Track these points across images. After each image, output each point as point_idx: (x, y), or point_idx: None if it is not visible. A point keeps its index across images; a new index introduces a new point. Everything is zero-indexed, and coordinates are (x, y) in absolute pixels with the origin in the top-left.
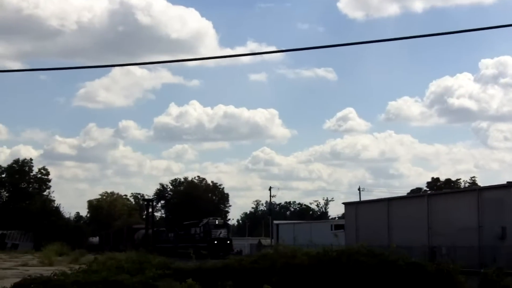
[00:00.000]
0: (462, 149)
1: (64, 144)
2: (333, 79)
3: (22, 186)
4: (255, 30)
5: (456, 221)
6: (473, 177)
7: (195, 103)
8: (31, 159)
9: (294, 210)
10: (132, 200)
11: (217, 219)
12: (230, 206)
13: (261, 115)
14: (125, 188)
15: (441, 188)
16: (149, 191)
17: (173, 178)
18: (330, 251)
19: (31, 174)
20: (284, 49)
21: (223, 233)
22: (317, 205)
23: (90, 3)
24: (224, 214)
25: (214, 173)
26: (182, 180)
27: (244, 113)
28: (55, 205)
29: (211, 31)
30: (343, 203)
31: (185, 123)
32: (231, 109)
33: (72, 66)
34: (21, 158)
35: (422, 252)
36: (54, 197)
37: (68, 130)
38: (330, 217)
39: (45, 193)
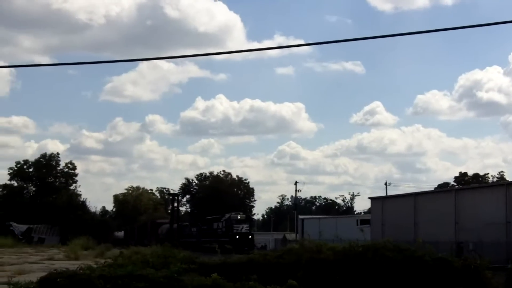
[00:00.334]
0: (490, 143)
1: (90, 139)
2: (361, 73)
3: (49, 180)
4: (283, 23)
5: (484, 216)
6: (502, 171)
7: (221, 97)
8: (58, 154)
9: (320, 205)
10: (158, 194)
11: (239, 214)
12: (255, 200)
13: (287, 109)
14: (151, 183)
15: (469, 183)
16: (175, 186)
17: (198, 172)
18: (356, 246)
19: (58, 168)
20: (311, 42)
21: (245, 228)
22: (343, 200)
23: None
24: (249, 208)
25: (239, 168)
26: (208, 174)
27: (271, 107)
28: (81, 199)
29: (238, 24)
30: (369, 198)
31: (211, 117)
32: (257, 103)
33: (100, 60)
34: (48, 153)
35: (448, 248)
36: (80, 191)
37: (95, 125)
38: (356, 212)
39: (71, 187)
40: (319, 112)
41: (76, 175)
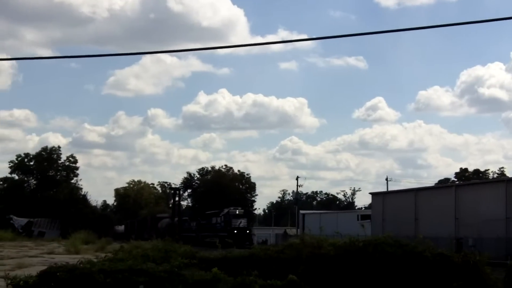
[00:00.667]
0: (491, 140)
1: (92, 132)
2: (364, 68)
3: (50, 174)
4: (286, 18)
5: (484, 212)
6: (502, 167)
7: (224, 91)
8: (59, 147)
9: (321, 200)
10: (159, 189)
11: (237, 209)
12: (256, 195)
13: (290, 104)
14: (153, 177)
15: (469, 179)
16: (176, 180)
17: (200, 167)
18: (357, 242)
19: (59, 162)
20: (315, 37)
21: (243, 222)
22: (344, 195)
23: None
24: (250, 203)
25: (241, 162)
26: (210, 169)
27: (273, 102)
28: (83, 193)
29: (242, 18)
30: (370, 193)
31: (214, 111)
32: (260, 97)
33: (103, 53)
34: (49, 146)
35: (448, 243)
36: (81, 185)
37: (97, 118)
38: (356, 207)
39: (72, 181)
40: (321, 107)
41: (77, 168)
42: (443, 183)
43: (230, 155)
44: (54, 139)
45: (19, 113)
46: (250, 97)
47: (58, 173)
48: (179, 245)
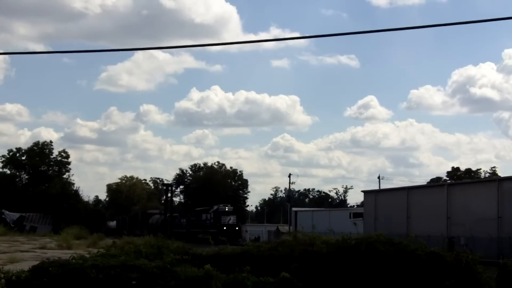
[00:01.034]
0: (483, 139)
1: (85, 128)
2: (356, 67)
3: (42, 168)
4: (279, 16)
5: (476, 211)
6: (494, 167)
7: (216, 88)
8: (51, 142)
9: (313, 197)
10: (152, 185)
11: (227, 206)
12: (249, 192)
13: (282, 102)
14: (145, 173)
15: (461, 178)
16: (169, 176)
17: (192, 163)
18: (349, 239)
19: (51, 157)
20: (307, 35)
21: (232, 219)
22: (336, 193)
23: None
24: (242, 200)
25: (233, 159)
26: (202, 165)
27: (266, 99)
28: (75, 188)
29: (235, 16)
30: (362, 191)
31: (206, 108)
32: (252, 95)
33: (95, 49)
34: (41, 141)
35: (440, 242)
36: (73, 180)
37: (89, 114)
38: (349, 205)
39: (64, 176)
40: (313, 105)
41: (69, 163)
42: (435, 182)
43: (222, 151)
44: (46, 134)
45: (11, 107)
46: (242, 94)
47: (50, 168)
48: (172, 241)
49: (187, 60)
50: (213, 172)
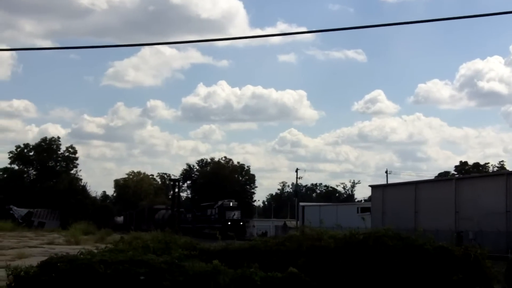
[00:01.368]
0: (491, 133)
1: (92, 123)
2: (363, 61)
3: (50, 164)
4: (286, 11)
5: (484, 206)
6: (502, 161)
7: (223, 83)
8: (58, 138)
9: (321, 192)
10: (159, 180)
11: (231, 201)
12: (256, 187)
13: (289, 96)
14: (152, 168)
15: (469, 172)
16: (176, 171)
17: (199, 158)
18: (357, 234)
19: (59, 152)
20: (314, 30)
21: (236, 214)
22: (344, 188)
23: None
24: (249, 195)
25: (241, 154)
26: (209, 160)
27: (273, 94)
28: (82, 184)
29: (241, 11)
30: (370, 186)
31: (213, 103)
32: (259, 89)
33: (102, 45)
34: (49, 137)
35: (448, 237)
36: (81, 176)
37: (96, 109)
38: (356, 200)
39: (72, 171)
40: (320, 99)
41: (77, 159)
42: (443, 176)
43: (229, 147)
44: (54, 130)
45: (18, 103)
46: (249, 89)
47: (58, 164)
48: (179, 236)
49: (193, 55)
50: (220, 167)
